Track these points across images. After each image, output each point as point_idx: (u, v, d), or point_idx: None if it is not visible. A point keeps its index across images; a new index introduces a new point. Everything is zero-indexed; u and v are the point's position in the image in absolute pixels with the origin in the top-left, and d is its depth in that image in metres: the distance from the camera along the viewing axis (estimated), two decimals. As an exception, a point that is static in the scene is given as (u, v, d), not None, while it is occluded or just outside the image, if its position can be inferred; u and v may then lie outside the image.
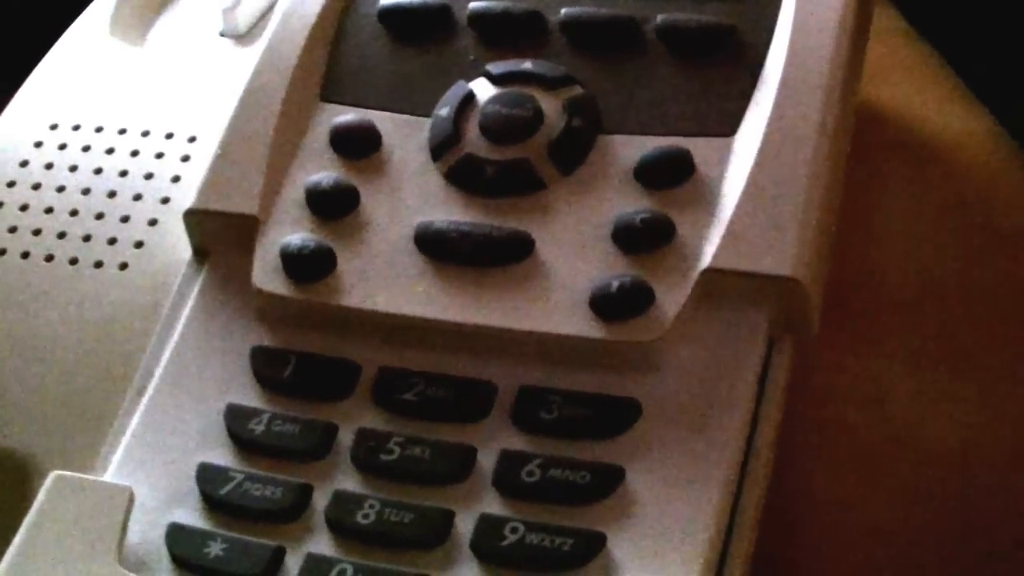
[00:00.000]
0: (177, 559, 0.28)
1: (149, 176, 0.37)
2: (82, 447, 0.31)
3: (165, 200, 0.36)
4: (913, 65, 0.38)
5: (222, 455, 0.30)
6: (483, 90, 0.32)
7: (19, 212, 0.37)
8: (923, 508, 0.30)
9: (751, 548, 0.28)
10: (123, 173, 0.37)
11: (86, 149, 0.38)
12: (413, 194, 0.31)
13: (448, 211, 0.31)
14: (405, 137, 0.32)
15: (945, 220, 0.34)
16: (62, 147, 0.38)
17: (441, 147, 0.32)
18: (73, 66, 0.40)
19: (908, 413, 0.31)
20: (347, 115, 0.33)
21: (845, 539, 0.30)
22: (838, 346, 0.32)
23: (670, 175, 0.30)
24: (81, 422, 0.32)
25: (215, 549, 0.28)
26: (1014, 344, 0.32)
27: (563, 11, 0.33)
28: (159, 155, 0.37)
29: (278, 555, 0.28)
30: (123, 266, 0.35)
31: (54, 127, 0.38)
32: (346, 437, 0.29)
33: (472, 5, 0.33)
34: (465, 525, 0.28)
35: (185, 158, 0.37)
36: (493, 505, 0.28)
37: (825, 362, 0.32)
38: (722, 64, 0.32)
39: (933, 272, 0.34)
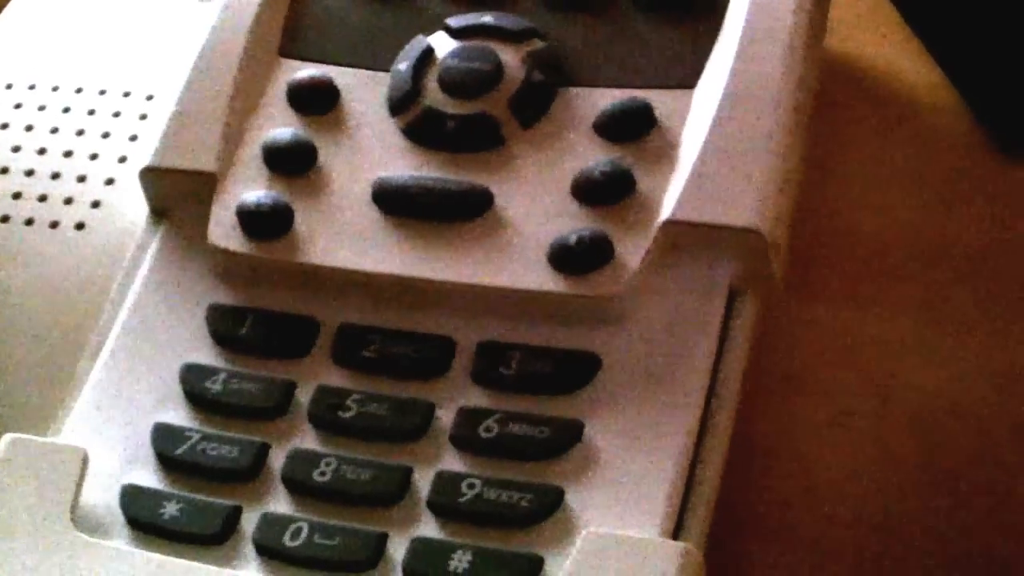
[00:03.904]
0: (132, 520, 0.28)
1: (106, 135, 0.36)
2: (39, 408, 0.31)
3: (123, 159, 0.36)
4: (873, 19, 0.38)
5: (179, 415, 0.29)
6: (442, 44, 0.32)
7: (-26, 173, 0.36)
8: (893, 460, 0.30)
9: (713, 501, 0.27)
10: (80, 132, 0.37)
11: (42, 108, 0.37)
12: (372, 149, 0.31)
13: (407, 166, 0.31)
14: (364, 92, 0.32)
15: (910, 170, 0.34)
16: (17, 106, 0.37)
17: (400, 102, 0.31)
18: (28, 24, 0.40)
19: (879, 365, 0.31)
20: (305, 70, 0.32)
21: (813, 493, 0.30)
22: (808, 298, 0.32)
23: (631, 128, 0.30)
24: (37, 383, 0.32)
25: (170, 509, 0.28)
26: (984, 294, 0.32)
27: None
28: (116, 114, 0.37)
29: (234, 514, 0.28)
30: (80, 226, 0.35)
31: (9, 87, 0.38)
32: (304, 395, 0.29)
33: None
34: (423, 482, 0.28)
35: (143, 116, 0.37)
36: (451, 462, 0.28)
37: (795, 315, 0.31)
38: (684, 17, 0.31)
39: (902, 223, 0.33)
